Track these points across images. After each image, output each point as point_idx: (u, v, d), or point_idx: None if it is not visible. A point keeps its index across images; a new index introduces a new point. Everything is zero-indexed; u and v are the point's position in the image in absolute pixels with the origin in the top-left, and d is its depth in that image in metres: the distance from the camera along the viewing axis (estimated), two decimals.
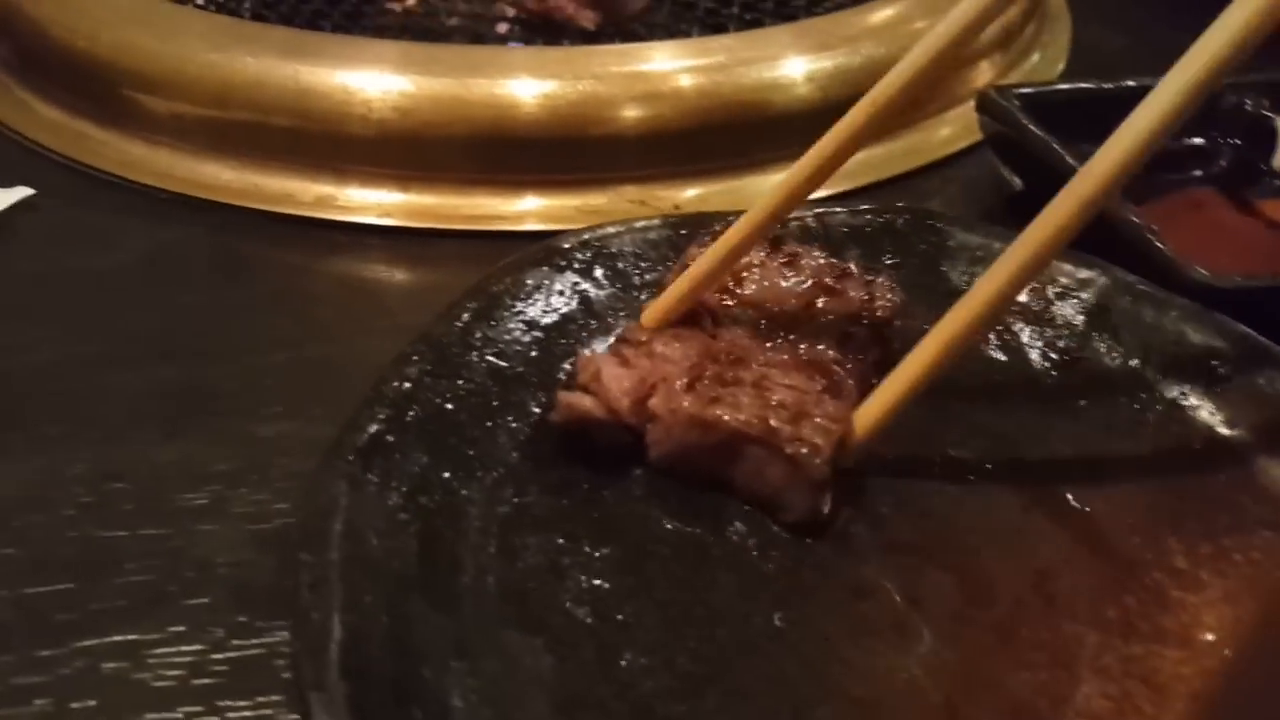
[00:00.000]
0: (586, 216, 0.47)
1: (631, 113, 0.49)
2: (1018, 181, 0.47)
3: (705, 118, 0.49)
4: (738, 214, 0.42)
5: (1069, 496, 0.34)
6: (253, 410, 0.38)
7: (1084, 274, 0.40)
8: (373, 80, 0.47)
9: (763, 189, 0.51)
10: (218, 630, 0.31)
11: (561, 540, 0.32)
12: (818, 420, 0.32)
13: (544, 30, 0.65)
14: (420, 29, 0.66)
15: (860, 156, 0.52)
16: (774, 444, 0.32)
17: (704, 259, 0.36)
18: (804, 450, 0.32)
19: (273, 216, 0.48)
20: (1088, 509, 0.34)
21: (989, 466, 0.35)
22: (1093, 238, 0.38)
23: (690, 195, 0.50)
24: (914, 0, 0.56)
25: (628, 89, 0.49)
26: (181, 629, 0.31)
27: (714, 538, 0.32)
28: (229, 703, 0.29)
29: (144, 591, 0.32)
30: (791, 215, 0.42)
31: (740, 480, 0.33)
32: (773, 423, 0.32)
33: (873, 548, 0.32)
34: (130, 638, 0.31)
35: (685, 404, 0.33)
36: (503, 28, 0.66)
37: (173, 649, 0.31)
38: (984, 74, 0.58)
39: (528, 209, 0.49)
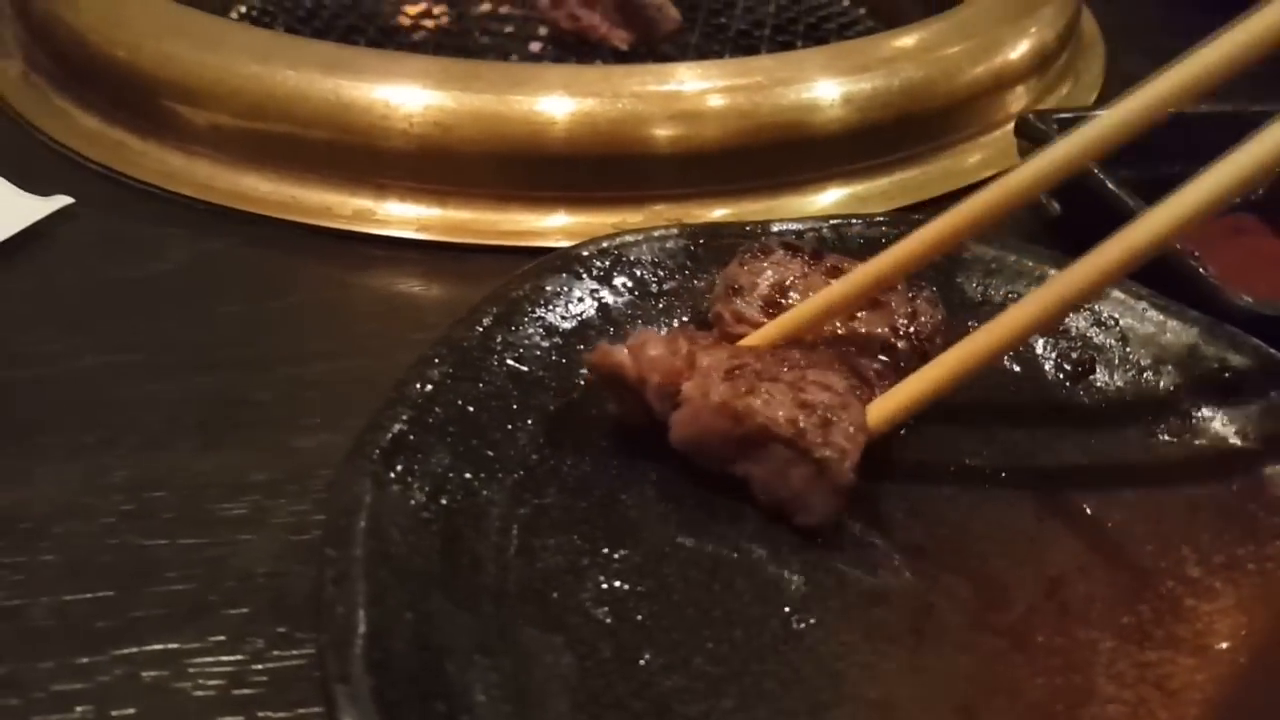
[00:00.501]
0: None
1: (669, 132, 0.49)
2: (1056, 206, 0.47)
3: (742, 138, 0.49)
4: (752, 225, 0.42)
5: (1083, 505, 0.34)
6: (291, 421, 0.38)
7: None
8: (414, 95, 0.48)
9: (798, 209, 0.51)
10: (258, 640, 0.31)
11: (580, 541, 0.32)
12: (846, 424, 0.32)
13: (576, 50, 0.65)
14: (453, 46, 0.66)
15: (896, 179, 0.54)
16: (803, 446, 0.32)
17: (822, 296, 0.36)
18: (832, 455, 0.32)
19: (311, 229, 0.49)
20: (1101, 518, 0.34)
21: (1003, 475, 0.36)
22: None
23: (725, 214, 0.50)
24: (948, 23, 0.56)
25: (666, 108, 0.49)
26: (221, 639, 0.31)
27: (730, 542, 0.33)
28: (268, 713, 0.29)
29: (184, 600, 0.32)
30: (808, 227, 0.42)
31: (759, 477, 0.33)
32: (802, 424, 0.32)
33: (888, 554, 0.33)
34: (170, 646, 0.31)
35: (719, 390, 0.33)
36: (535, 46, 0.67)
37: (213, 658, 0.31)
38: (1019, 100, 0.58)
39: (563, 225, 0.49)
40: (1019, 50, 0.57)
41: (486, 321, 0.36)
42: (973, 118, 0.55)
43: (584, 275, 0.39)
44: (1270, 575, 0.31)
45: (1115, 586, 0.32)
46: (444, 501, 0.31)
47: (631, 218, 0.49)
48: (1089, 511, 0.34)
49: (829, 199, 0.52)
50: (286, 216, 0.49)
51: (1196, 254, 0.40)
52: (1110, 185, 0.43)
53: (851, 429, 0.32)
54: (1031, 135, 0.47)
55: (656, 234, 0.41)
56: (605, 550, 0.32)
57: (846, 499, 0.32)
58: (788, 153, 0.51)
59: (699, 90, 0.49)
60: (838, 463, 0.32)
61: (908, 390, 0.34)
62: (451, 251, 0.48)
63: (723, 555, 0.32)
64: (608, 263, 0.40)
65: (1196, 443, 0.36)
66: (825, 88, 0.51)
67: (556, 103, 0.48)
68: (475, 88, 0.48)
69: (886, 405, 0.34)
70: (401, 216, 0.49)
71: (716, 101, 0.49)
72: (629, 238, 0.41)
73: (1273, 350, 0.36)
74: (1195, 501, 0.34)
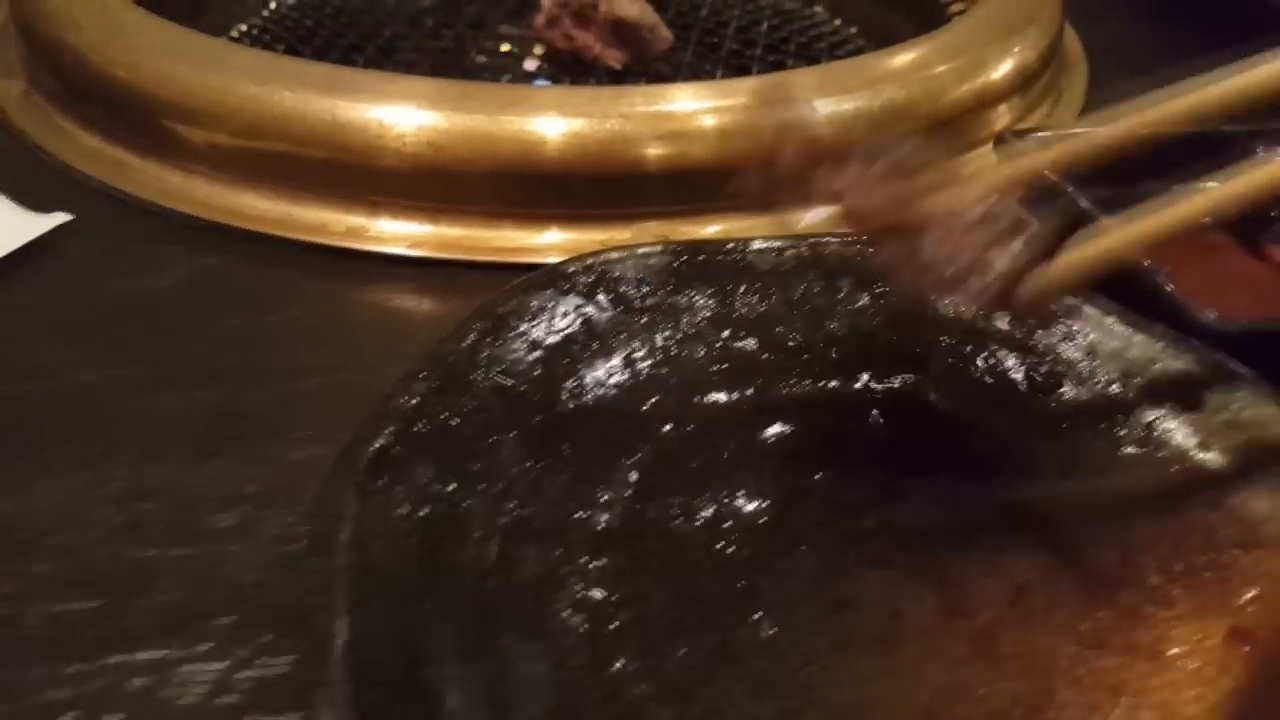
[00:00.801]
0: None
1: (657, 151, 0.50)
2: (1034, 223, 0.48)
3: (730, 157, 0.50)
4: (733, 242, 0.43)
5: (1049, 515, 0.35)
6: (285, 434, 0.39)
7: (1067, 302, 0.40)
8: (408, 116, 0.49)
9: (788, 224, 0.52)
10: (244, 649, 0.32)
11: (559, 551, 0.33)
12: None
13: (571, 69, 0.66)
14: (450, 66, 0.67)
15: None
16: (1001, 207, 0.31)
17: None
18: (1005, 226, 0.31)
19: (307, 246, 0.49)
20: (1066, 527, 0.35)
21: (972, 485, 0.36)
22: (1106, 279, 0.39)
23: (715, 230, 0.51)
24: (935, 45, 0.57)
25: (654, 128, 0.50)
26: (209, 647, 0.32)
27: (704, 551, 0.34)
28: (254, 719, 0.30)
29: (173, 610, 0.33)
30: (786, 244, 0.43)
31: (926, 247, 0.31)
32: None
33: (856, 563, 0.34)
34: (159, 654, 0.32)
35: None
36: (531, 65, 0.68)
37: (199, 666, 0.31)
38: (1001, 117, 0.59)
39: (553, 242, 0.50)
40: (1001, 70, 0.58)
41: (472, 337, 0.37)
42: (955, 136, 0.56)
43: (569, 291, 0.40)
44: (1227, 583, 0.32)
45: (1077, 594, 0.33)
46: (426, 513, 0.32)
47: (621, 234, 0.50)
48: (1054, 522, 0.35)
49: (818, 214, 0.53)
50: (282, 233, 0.50)
51: (1165, 271, 0.41)
52: (1085, 203, 0.43)
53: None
54: (1010, 154, 0.48)
55: (640, 250, 0.42)
56: (583, 560, 0.33)
57: (1010, 284, 0.31)
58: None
59: (686, 111, 0.50)
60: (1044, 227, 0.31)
61: (1096, 246, 0.33)
62: (444, 268, 0.49)
63: (697, 565, 0.33)
64: (592, 279, 0.41)
65: (1160, 455, 0.36)
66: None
67: (547, 123, 0.49)
68: (467, 108, 0.49)
69: (1072, 258, 0.33)
70: (395, 233, 0.50)
71: (703, 121, 0.50)
72: (614, 254, 0.42)
73: (1235, 365, 0.37)
74: (1157, 511, 0.35)
